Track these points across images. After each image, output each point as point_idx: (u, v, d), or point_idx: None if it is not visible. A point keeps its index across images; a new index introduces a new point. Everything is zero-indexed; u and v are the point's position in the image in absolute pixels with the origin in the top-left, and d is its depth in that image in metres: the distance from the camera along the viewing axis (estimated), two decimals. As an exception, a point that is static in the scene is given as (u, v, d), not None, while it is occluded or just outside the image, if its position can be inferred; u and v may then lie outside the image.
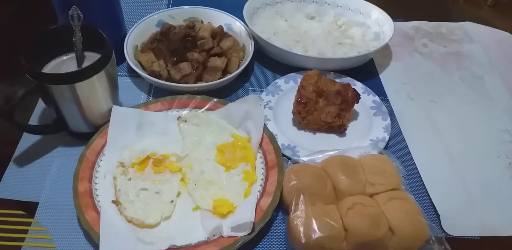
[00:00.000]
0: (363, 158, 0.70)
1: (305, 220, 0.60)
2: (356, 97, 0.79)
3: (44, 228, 0.65)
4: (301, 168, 0.67)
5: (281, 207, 0.67)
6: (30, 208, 0.67)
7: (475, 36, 1.06)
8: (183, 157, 0.73)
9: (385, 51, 1.00)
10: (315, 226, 0.59)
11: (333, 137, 0.80)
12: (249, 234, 0.61)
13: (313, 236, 0.58)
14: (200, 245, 0.60)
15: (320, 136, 0.80)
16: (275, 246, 0.64)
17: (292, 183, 0.65)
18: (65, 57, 0.72)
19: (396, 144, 0.80)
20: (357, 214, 0.60)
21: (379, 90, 0.89)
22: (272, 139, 0.74)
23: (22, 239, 0.63)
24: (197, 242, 0.61)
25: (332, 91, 0.79)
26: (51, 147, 0.75)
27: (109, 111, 0.74)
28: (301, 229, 0.59)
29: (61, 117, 0.71)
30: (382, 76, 0.94)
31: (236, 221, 0.61)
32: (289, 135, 0.79)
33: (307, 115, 0.78)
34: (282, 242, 0.65)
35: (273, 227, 0.66)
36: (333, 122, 0.78)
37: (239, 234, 0.61)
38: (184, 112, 0.80)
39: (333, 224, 0.59)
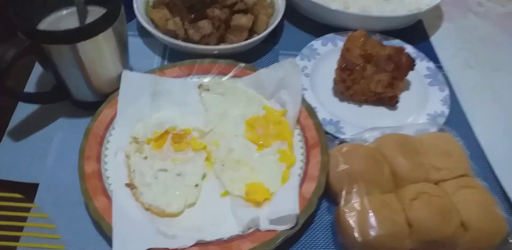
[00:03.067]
0: (423, 136, 0.59)
1: (360, 214, 0.50)
2: (411, 63, 0.67)
3: (46, 215, 0.55)
4: (351, 149, 0.56)
5: (326, 194, 0.56)
6: (28, 191, 0.57)
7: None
8: (207, 132, 0.62)
9: (435, 11, 0.86)
10: (373, 221, 0.49)
11: (382, 111, 0.68)
12: (291, 228, 0.51)
13: (371, 233, 0.48)
14: (233, 240, 0.50)
15: (367, 109, 0.68)
16: (321, 241, 0.54)
17: (341, 167, 0.54)
18: (64, 12, 0.61)
19: (454, 120, 0.68)
20: (423, 206, 0.50)
21: (431, 56, 0.76)
22: (311, 112, 0.63)
23: (21, 228, 0.53)
24: (229, 236, 0.51)
25: (383, 56, 0.66)
26: (52, 119, 0.64)
27: (119, 77, 0.63)
28: (356, 224, 0.49)
29: (62, 84, 0.61)
30: (434, 39, 0.82)
31: (276, 213, 0.51)
32: (330, 107, 0.67)
33: (353, 85, 0.66)
34: (329, 235, 0.55)
35: (316, 217, 0.56)
36: (384, 93, 0.66)
37: (280, 228, 0.51)
38: (206, 79, 0.68)
39: (395, 219, 0.49)
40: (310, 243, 0.54)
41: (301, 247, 0.54)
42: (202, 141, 0.61)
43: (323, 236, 0.54)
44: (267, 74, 0.65)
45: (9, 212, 0.55)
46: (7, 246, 0.52)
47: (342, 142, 0.59)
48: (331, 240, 0.54)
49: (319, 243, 0.54)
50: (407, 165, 0.54)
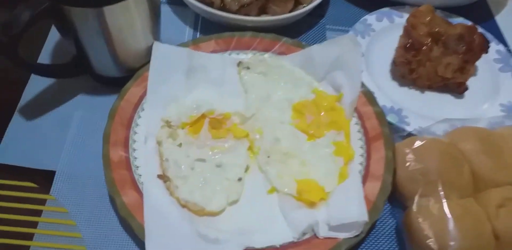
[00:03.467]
0: (503, 131, 0.51)
1: (437, 221, 0.42)
2: (484, 45, 0.58)
3: (65, 209, 0.47)
4: (425, 145, 0.47)
5: (389, 195, 0.48)
6: (43, 180, 0.49)
7: None
8: (248, 117, 0.54)
9: (498, -15, 0.76)
10: (454, 231, 0.41)
11: (447, 99, 0.60)
12: (355, 236, 0.43)
13: (451, 244, 0.41)
14: (286, 248, 0.43)
15: (430, 96, 0.60)
16: (385, 250, 0.47)
17: (413, 166, 0.46)
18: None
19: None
20: (513, 215, 0.42)
21: (498, 38, 0.67)
22: (371, 98, 0.54)
23: (35, 224, 0.46)
24: (281, 243, 0.43)
25: (452, 36, 0.57)
26: (70, 95, 0.57)
27: (149, 49, 0.55)
28: (432, 233, 0.42)
29: (83, 55, 0.53)
30: (499, 18, 0.72)
31: (338, 219, 0.43)
32: (389, 93, 0.59)
33: (417, 67, 0.57)
34: (394, 243, 0.47)
35: (378, 222, 0.48)
36: (453, 78, 0.57)
37: (341, 235, 0.43)
38: (246, 56, 0.59)
39: (480, 229, 0.41)
40: (372, 253, 0.47)
41: (362, 256, 0.46)
42: (243, 127, 0.53)
43: (387, 243, 0.47)
44: (320, 51, 0.57)
45: (21, 204, 0.47)
46: (19, 245, 0.44)
47: (409, 134, 0.51)
48: (397, 248, 0.47)
49: (383, 253, 0.47)
50: (490, 165, 0.46)
